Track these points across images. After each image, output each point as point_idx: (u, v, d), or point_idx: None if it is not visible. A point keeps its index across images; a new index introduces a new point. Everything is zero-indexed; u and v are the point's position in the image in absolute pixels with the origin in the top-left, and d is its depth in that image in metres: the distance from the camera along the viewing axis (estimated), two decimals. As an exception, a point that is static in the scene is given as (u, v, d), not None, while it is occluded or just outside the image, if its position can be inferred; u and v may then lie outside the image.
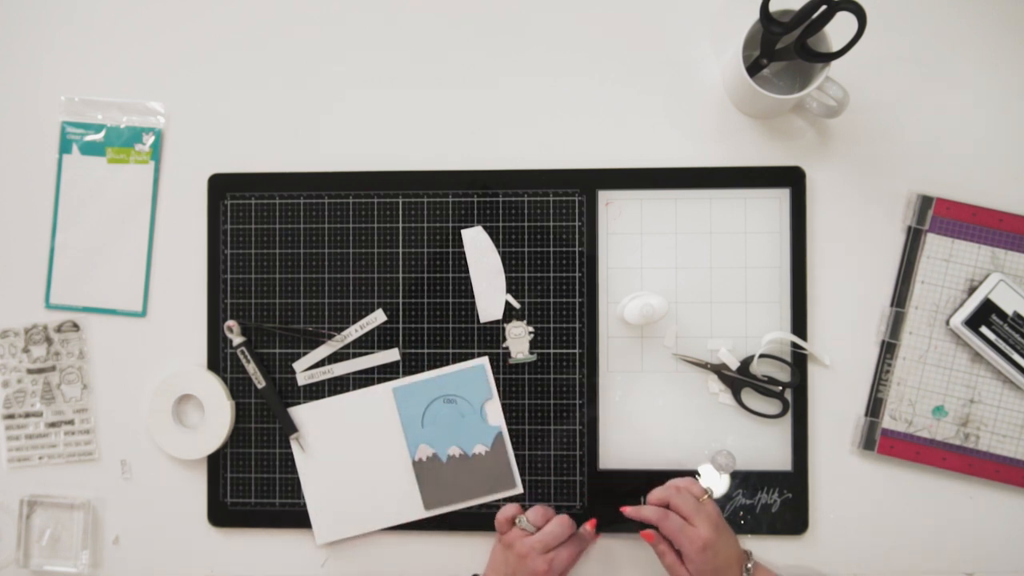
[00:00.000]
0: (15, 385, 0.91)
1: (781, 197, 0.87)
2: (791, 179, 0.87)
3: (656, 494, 0.82)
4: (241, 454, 0.89)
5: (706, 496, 0.80)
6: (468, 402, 0.87)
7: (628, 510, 0.82)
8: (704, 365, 0.87)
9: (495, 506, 0.87)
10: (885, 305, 0.86)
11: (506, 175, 0.88)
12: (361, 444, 0.88)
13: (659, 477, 0.86)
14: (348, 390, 0.89)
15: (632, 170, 0.88)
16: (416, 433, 0.88)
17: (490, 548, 0.86)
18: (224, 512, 0.89)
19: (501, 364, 0.88)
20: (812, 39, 0.78)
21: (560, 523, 0.82)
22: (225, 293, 0.89)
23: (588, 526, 0.84)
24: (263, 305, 0.89)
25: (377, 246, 0.89)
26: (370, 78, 0.90)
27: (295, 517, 0.88)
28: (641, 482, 0.85)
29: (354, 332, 0.88)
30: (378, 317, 0.88)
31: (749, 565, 0.79)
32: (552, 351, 0.87)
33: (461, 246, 0.88)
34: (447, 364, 0.88)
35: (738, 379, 0.86)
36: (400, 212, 0.89)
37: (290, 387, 0.89)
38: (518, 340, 0.88)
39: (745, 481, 0.86)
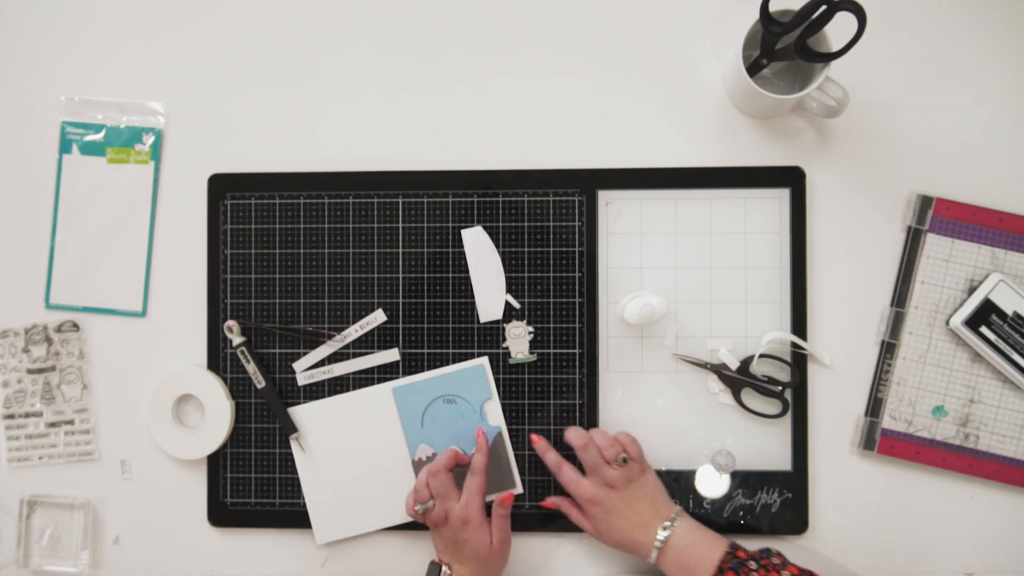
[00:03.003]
0: (15, 385, 0.91)
1: (781, 197, 0.87)
2: (791, 179, 0.87)
3: (573, 438, 0.83)
4: (241, 454, 0.89)
5: (616, 464, 0.80)
6: (468, 402, 0.87)
7: (538, 444, 0.85)
8: (704, 365, 0.87)
9: (495, 506, 0.87)
10: (885, 305, 0.86)
11: (506, 175, 0.88)
12: (361, 444, 0.88)
13: (659, 477, 0.86)
14: (348, 390, 0.89)
15: (632, 170, 0.88)
16: (416, 433, 0.88)
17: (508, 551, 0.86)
18: (224, 512, 0.89)
19: (501, 364, 0.88)
20: (812, 39, 0.78)
21: (433, 473, 0.81)
22: (225, 293, 0.89)
23: (479, 437, 0.85)
24: (263, 305, 0.89)
25: (377, 246, 0.89)
26: (370, 78, 0.90)
27: (295, 517, 0.88)
28: (641, 482, 0.86)
29: (354, 332, 0.88)
30: (378, 317, 0.88)
31: (667, 523, 0.79)
32: (552, 351, 0.87)
33: (461, 246, 0.88)
34: (447, 364, 0.88)
35: (738, 379, 0.86)
36: (400, 212, 0.89)
37: (290, 387, 0.89)
38: (518, 340, 0.88)
39: (745, 481, 0.86)
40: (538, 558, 0.88)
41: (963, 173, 0.86)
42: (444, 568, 0.80)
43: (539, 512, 0.87)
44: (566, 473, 0.83)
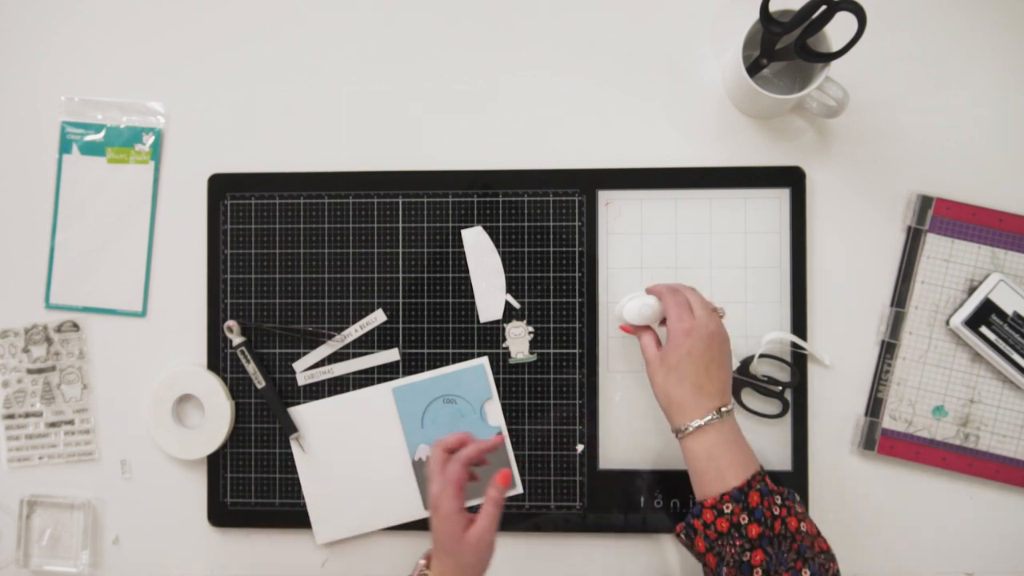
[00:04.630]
0: (15, 385, 0.91)
1: (781, 197, 0.87)
2: (791, 179, 0.87)
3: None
4: (241, 454, 0.89)
5: (719, 310, 0.78)
6: (468, 402, 0.87)
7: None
8: (704, 365, 0.86)
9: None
10: (885, 305, 0.86)
11: (506, 175, 0.88)
12: (361, 444, 0.88)
13: (659, 477, 0.86)
14: (348, 390, 0.89)
15: (632, 170, 0.88)
16: (416, 433, 0.88)
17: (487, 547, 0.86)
18: (224, 512, 0.89)
19: (501, 364, 0.88)
20: (812, 39, 0.78)
21: (433, 445, 0.76)
22: (225, 293, 0.89)
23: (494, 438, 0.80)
24: (263, 305, 0.89)
25: (377, 246, 0.89)
26: (370, 78, 0.90)
27: (295, 517, 0.88)
28: (641, 482, 0.85)
29: (354, 332, 0.88)
30: (378, 317, 0.88)
31: (724, 408, 0.73)
32: (552, 351, 0.87)
33: (461, 246, 0.88)
34: (447, 364, 0.88)
35: (738, 379, 0.86)
36: (400, 212, 0.89)
37: (290, 387, 0.89)
38: (518, 340, 0.88)
39: (745, 481, 0.86)
40: (536, 559, 0.88)
41: (963, 173, 0.86)
42: (421, 562, 0.73)
43: (538, 512, 0.87)
44: (681, 298, 0.76)
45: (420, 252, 0.88)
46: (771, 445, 0.86)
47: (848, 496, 0.86)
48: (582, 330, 0.87)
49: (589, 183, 0.87)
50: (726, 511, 0.71)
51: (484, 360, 0.88)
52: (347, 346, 0.89)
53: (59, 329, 0.91)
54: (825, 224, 0.87)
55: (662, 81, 0.88)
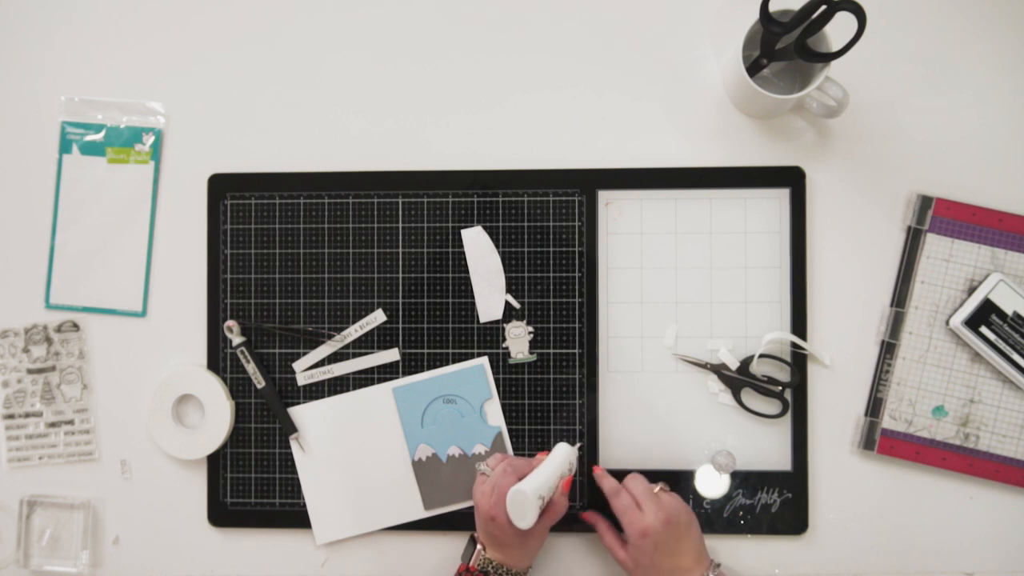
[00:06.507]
0: (15, 385, 0.91)
1: (781, 197, 0.87)
2: (791, 179, 0.87)
3: (628, 480, 0.82)
4: (241, 454, 0.89)
5: (659, 488, 0.80)
6: (468, 402, 0.87)
7: (598, 470, 0.84)
8: (704, 365, 0.87)
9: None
10: (885, 305, 0.86)
11: (506, 175, 0.88)
12: (361, 444, 0.88)
13: (659, 477, 0.86)
14: (348, 390, 0.89)
15: (632, 170, 0.88)
16: (416, 433, 0.88)
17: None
18: (224, 512, 0.89)
19: (501, 364, 0.88)
20: (812, 39, 0.78)
21: (503, 458, 0.82)
22: (225, 293, 0.89)
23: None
24: (263, 305, 0.89)
25: (377, 246, 0.89)
26: (370, 79, 0.90)
27: (295, 517, 0.88)
28: (641, 482, 0.85)
29: (354, 332, 0.88)
30: (378, 317, 0.88)
31: (709, 574, 0.77)
32: (552, 351, 0.87)
33: (461, 246, 0.88)
34: (447, 364, 0.88)
35: (738, 379, 0.86)
36: (400, 212, 0.89)
37: (290, 387, 0.89)
38: (518, 340, 0.88)
39: (745, 481, 0.86)
40: (536, 557, 0.88)
41: (963, 173, 0.86)
42: (479, 547, 0.80)
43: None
44: (624, 499, 0.79)
45: (420, 252, 0.88)
46: (771, 445, 0.86)
47: (848, 496, 0.86)
48: (582, 330, 0.87)
49: (589, 183, 0.87)
50: None
51: (484, 360, 0.88)
52: (347, 346, 0.89)
53: (59, 329, 0.91)
54: (825, 224, 0.87)
55: (662, 81, 0.88)
